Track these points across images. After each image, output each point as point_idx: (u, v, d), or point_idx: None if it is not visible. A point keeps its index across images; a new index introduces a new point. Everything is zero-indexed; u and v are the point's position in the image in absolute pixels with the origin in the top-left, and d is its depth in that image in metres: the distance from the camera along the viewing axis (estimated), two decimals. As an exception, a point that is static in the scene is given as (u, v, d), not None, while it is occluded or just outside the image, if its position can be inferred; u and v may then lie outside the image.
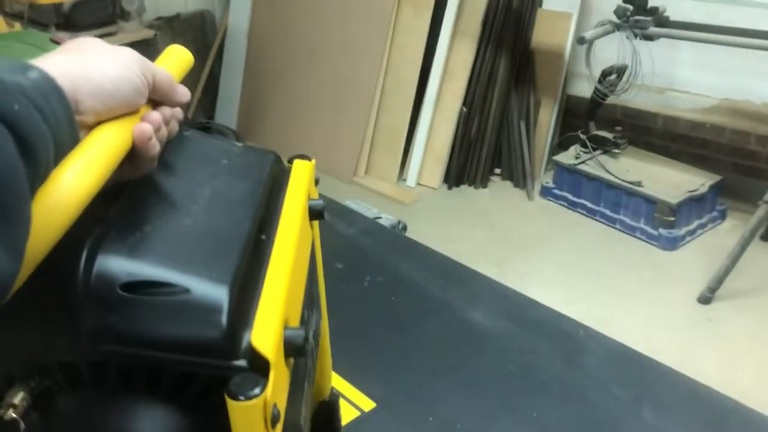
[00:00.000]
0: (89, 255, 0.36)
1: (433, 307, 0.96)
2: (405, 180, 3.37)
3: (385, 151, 3.39)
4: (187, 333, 0.37)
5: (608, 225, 2.84)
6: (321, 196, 1.27)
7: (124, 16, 2.92)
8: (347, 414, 0.78)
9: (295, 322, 0.43)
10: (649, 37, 2.53)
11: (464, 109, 3.19)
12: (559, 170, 3.03)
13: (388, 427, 0.75)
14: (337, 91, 3.47)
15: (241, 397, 0.35)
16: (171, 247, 0.40)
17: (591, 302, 2.38)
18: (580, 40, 2.58)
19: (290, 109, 3.70)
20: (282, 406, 0.38)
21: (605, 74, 2.87)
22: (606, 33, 2.59)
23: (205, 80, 3.87)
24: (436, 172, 3.32)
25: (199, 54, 4.09)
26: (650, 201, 2.66)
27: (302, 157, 0.60)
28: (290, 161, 0.59)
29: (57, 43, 2.51)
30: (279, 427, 0.37)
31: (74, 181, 0.35)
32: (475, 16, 3.16)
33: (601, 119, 3.15)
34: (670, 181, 2.75)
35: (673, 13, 2.67)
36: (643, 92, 3.02)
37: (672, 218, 2.62)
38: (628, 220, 2.76)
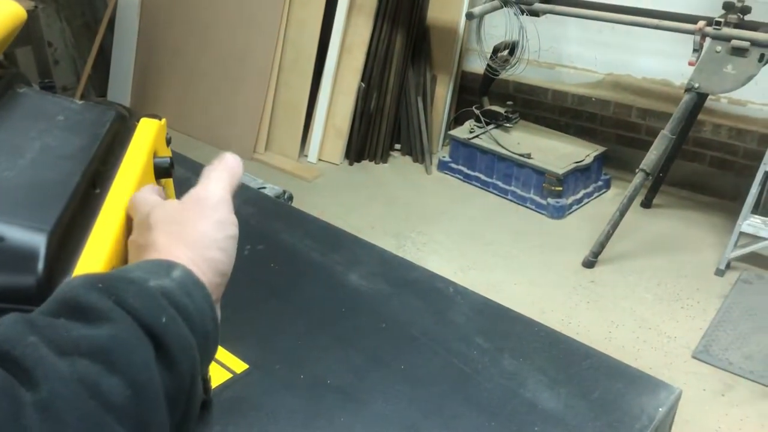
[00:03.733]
0: None
1: (312, 272, 0.97)
2: (306, 156, 3.37)
3: (285, 127, 3.37)
4: (2, 280, 0.37)
5: (501, 196, 2.94)
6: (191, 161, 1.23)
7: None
8: (219, 377, 0.79)
9: (127, 272, 0.44)
10: (535, 13, 2.62)
11: (362, 84, 3.21)
12: (454, 144, 3.11)
13: (259, 387, 0.77)
14: (234, 66, 3.41)
15: (55, 340, 0.35)
16: (-12, 198, 0.39)
17: (484, 269, 2.46)
18: (468, 15, 2.64)
19: (186, 84, 3.61)
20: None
21: (496, 50, 2.95)
22: (494, 9, 2.66)
23: (95, 56, 3.71)
24: (337, 148, 3.33)
25: (89, 29, 3.92)
26: (539, 172, 2.78)
27: (153, 116, 0.60)
28: (138, 120, 0.58)
29: None
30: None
31: None
32: (371, -8, 3.17)
33: (495, 94, 3.25)
34: (557, 152, 2.87)
35: (559, -10, 2.77)
36: (534, 68, 3.13)
37: (559, 188, 2.74)
38: (519, 191, 2.87)
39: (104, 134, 0.50)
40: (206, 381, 0.73)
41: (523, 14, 2.64)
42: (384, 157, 3.34)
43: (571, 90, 3.17)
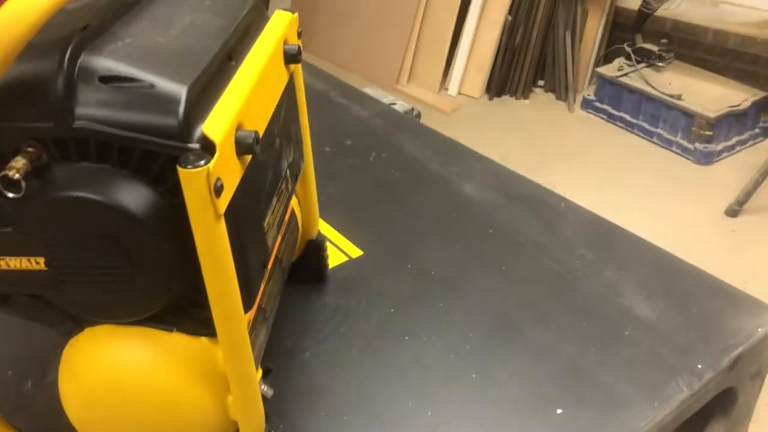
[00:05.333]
0: (74, 52, 0.45)
1: (430, 180, 1.03)
2: (447, 89, 3.39)
3: (429, 59, 3.40)
4: (151, 119, 0.45)
5: (646, 138, 2.83)
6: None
7: None
8: (336, 258, 0.87)
9: (252, 128, 0.52)
10: (700, -57, 2.45)
11: (509, 17, 3.16)
12: (601, 82, 3.01)
13: (370, 270, 0.85)
14: (383, -3, 3.47)
15: (189, 166, 0.44)
16: (145, 55, 0.48)
17: (617, 210, 2.40)
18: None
19: (338, 14, 3.71)
20: (228, 184, 0.47)
21: (654, -17, 2.80)
22: (655, -63, 2.52)
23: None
24: (478, 82, 3.33)
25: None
26: (688, 115, 2.64)
27: (286, 10, 0.67)
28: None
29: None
30: (224, 197, 0.46)
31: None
32: None
33: (650, 32, 3.08)
34: (711, 95, 2.71)
35: None
36: (696, 5, 2.94)
37: (709, 132, 2.59)
38: (665, 134, 2.75)
39: (243, 17, 0.58)
40: (324, 257, 0.82)
41: (686, -56, 2.48)
42: (525, 93, 3.30)
43: (734, 29, 2.94)
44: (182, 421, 0.54)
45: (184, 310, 0.53)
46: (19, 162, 0.45)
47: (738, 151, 2.72)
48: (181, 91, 0.46)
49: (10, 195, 0.45)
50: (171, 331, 0.53)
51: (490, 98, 3.31)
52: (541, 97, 3.31)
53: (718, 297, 0.83)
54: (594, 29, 3.24)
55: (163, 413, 0.53)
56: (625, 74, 2.91)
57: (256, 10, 0.63)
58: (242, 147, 0.48)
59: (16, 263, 0.49)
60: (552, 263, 0.87)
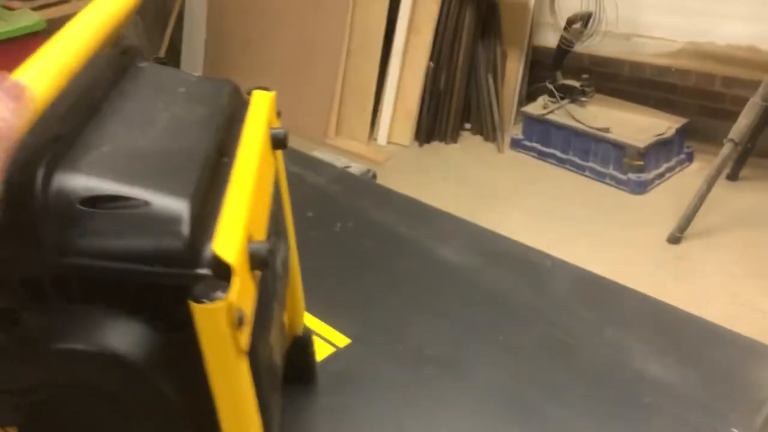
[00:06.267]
0: (47, 172, 0.37)
1: (403, 247, 0.98)
2: (376, 139, 3.37)
3: (355, 110, 3.38)
4: (149, 244, 0.38)
5: (578, 173, 2.87)
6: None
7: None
8: (323, 351, 0.80)
9: (259, 237, 0.44)
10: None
11: (431, 63, 3.18)
12: (527, 121, 3.05)
13: (362, 359, 0.78)
14: (303, 52, 3.43)
15: (205, 300, 0.36)
16: (130, 164, 0.41)
17: (562, 246, 2.40)
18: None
19: (257, 74, 3.65)
20: (248, 312, 0.39)
21: (570, 22, 2.88)
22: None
23: (167, 47, 3.81)
24: (406, 129, 3.32)
25: (158, 20, 4.01)
26: (618, 146, 2.70)
27: (262, 88, 0.61)
28: (249, 93, 0.59)
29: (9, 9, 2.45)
30: (246, 330, 0.39)
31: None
32: (439, -31, 3.13)
33: (569, 68, 3.16)
34: (637, 126, 2.78)
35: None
36: (610, 39, 3.03)
37: (640, 162, 2.66)
38: (597, 167, 2.80)
39: (225, 105, 0.51)
40: (311, 354, 0.75)
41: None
42: (454, 137, 3.31)
43: (649, 60, 3.05)
44: None
45: (192, 457, 0.44)
46: (-14, 312, 0.36)
47: (668, 178, 2.80)
48: (182, 206, 0.38)
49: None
50: (180, 487, 0.44)
51: (420, 145, 3.30)
52: (469, 139, 3.33)
53: (726, 347, 0.79)
54: (515, 69, 3.30)
55: None
56: (551, 111, 2.96)
57: (235, 93, 0.56)
58: (257, 262, 0.41)
59: (-18, 433, 0.40)
60: (550, 327, 0.82)
